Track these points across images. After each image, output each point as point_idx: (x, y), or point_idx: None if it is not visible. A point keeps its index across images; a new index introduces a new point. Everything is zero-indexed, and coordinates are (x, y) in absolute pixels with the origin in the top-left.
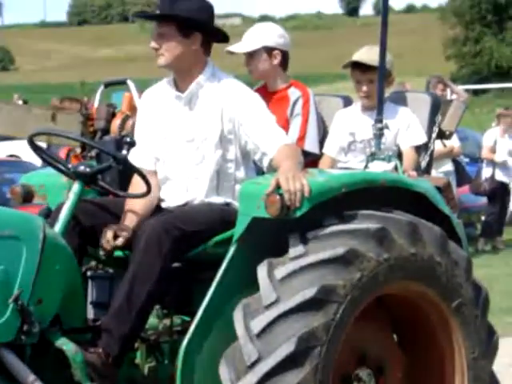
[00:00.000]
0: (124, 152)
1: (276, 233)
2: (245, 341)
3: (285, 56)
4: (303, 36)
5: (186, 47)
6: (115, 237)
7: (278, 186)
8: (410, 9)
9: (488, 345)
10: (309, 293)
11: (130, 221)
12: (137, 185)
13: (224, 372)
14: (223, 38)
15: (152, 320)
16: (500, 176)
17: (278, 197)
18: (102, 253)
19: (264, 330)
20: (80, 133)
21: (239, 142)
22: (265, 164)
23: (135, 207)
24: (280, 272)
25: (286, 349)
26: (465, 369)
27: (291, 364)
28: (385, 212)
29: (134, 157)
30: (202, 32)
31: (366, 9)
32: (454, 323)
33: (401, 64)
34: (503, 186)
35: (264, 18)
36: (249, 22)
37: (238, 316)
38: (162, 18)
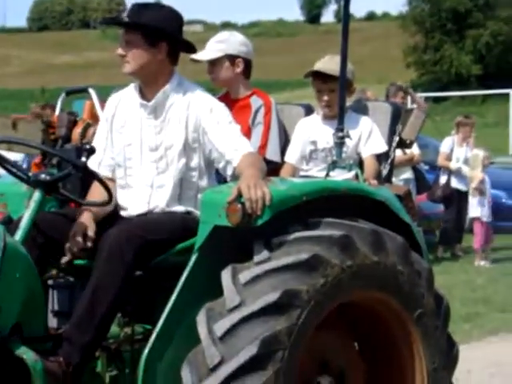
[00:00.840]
0: (83, 159)
1: (239, 240)
2: (207, 343)
3: (247, 64)
4: (265, 43)
5: (151, 56)
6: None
7: (239, 195)
8: (371, 16)
9: (448, 356)
10: (272, 297)
11: (85, 219)
12: (95, 190)
13: (186, 375)
14: (190, 48)
15: (113, 328)
16: (455, 183)
17: (239, 205)
18: (65, 259)
19: (227, 333)
20: (41, 141)
21: (203, 150)
22: (228, 173)
23: (89, 211)
24: (244, 276)
25: (248, 352)
26: (425, 379)
27: (253, 367)
28: (348, 220)
29: (93, 162)
30: (169, 42)
31: (328, 16)
32: (415, 333)
33: (362, 71)
34: (458, 193)
35: (226, 25)
36: (211, 28)
37: (201, 319)
38: (130, 26)
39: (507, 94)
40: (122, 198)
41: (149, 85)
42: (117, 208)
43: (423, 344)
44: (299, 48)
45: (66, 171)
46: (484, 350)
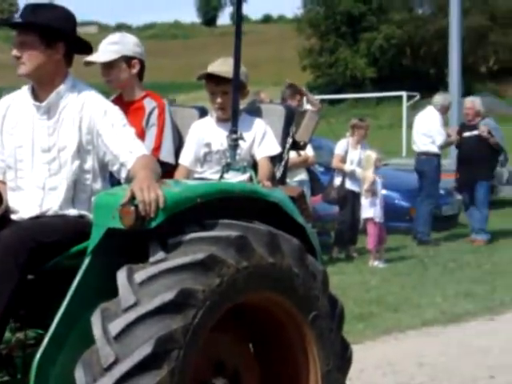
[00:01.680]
0: None
1: (134, 243)
2: (102, 343)
3: (142, 65)
4: (161, 45)
5: (48, 57)
6: None
7: (133, 197)
8: (267, 19)
9: (342, 358)
10: (168, 296)
11: None
12: None
13: (80, 375)
14: (86, 48)
15: (5, 334)
16: (349, 185)
17: (132, 208)
18: None
19: (122, 333)
20: None
21: (97, 153)
22: (123, 175)
23: None
24: (140, 276)
25: (143, 351)
26: (319, 381)
27: (148, 366)
28: (244, 221)
29: None
30: (66, 42)
31: (224, 18)
32: (309, 335)
33: (258, 73)
34: (353, 195)
35: (121, 27)
36: (105, 30)
37: (96, 319)
38: (25, 27)
39: (401, 97)
40: (13, 200)
41: (43, 86)
42: (8, 211)
43: (317, 346)
44: (195, 50)
45: None
46: (377, 349)
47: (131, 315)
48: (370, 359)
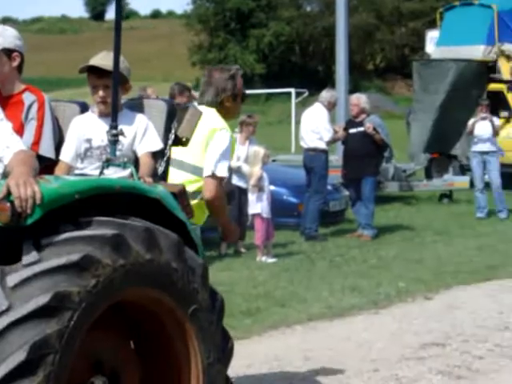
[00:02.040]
0: None
1: (8, 241)
2: None
3: (22, 59)
4: (48, 39)
5: None
6: None
7: (9, 193)
8: (156, 14)
9: (223, 350)
10: (42, 300)
11: None
12: None
13: None
14: None
15: None
16: (236, 180)
17: (8, 204)
18: None
19: None
20: None
21: None
22: None
23: None
24: (12, 279)
25: (17, 357)
26: (200, 374)
27: (23, 373)
28: (121, 218)
29: None
30: None
31: (112, 13)
32: (189, 329)
33: (148, 69)
34: (240, 190)
35: (7, 20)
36: None
37: None
38: None
39: (289, 93)
40: None
41: None
42: None
43: (198, 339)
44: (83, 45)
45: None
46: (264, 344)
47: (4, 321)
48: (257, 354)
